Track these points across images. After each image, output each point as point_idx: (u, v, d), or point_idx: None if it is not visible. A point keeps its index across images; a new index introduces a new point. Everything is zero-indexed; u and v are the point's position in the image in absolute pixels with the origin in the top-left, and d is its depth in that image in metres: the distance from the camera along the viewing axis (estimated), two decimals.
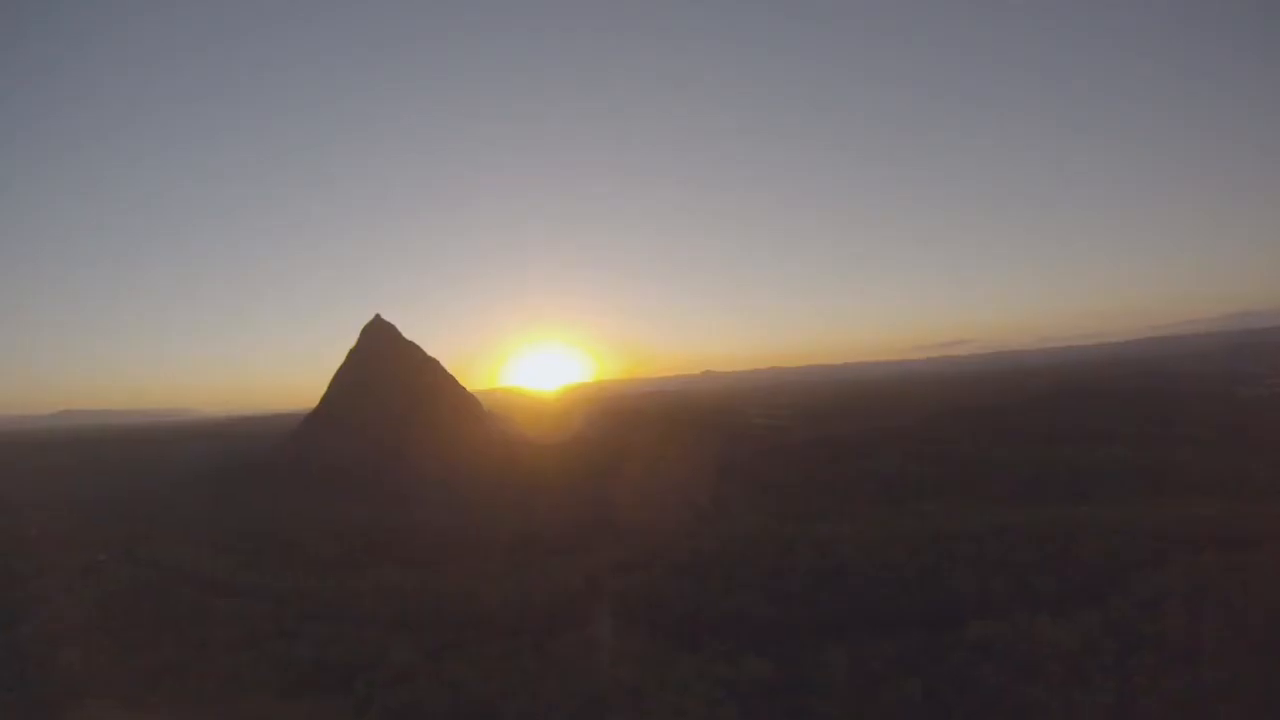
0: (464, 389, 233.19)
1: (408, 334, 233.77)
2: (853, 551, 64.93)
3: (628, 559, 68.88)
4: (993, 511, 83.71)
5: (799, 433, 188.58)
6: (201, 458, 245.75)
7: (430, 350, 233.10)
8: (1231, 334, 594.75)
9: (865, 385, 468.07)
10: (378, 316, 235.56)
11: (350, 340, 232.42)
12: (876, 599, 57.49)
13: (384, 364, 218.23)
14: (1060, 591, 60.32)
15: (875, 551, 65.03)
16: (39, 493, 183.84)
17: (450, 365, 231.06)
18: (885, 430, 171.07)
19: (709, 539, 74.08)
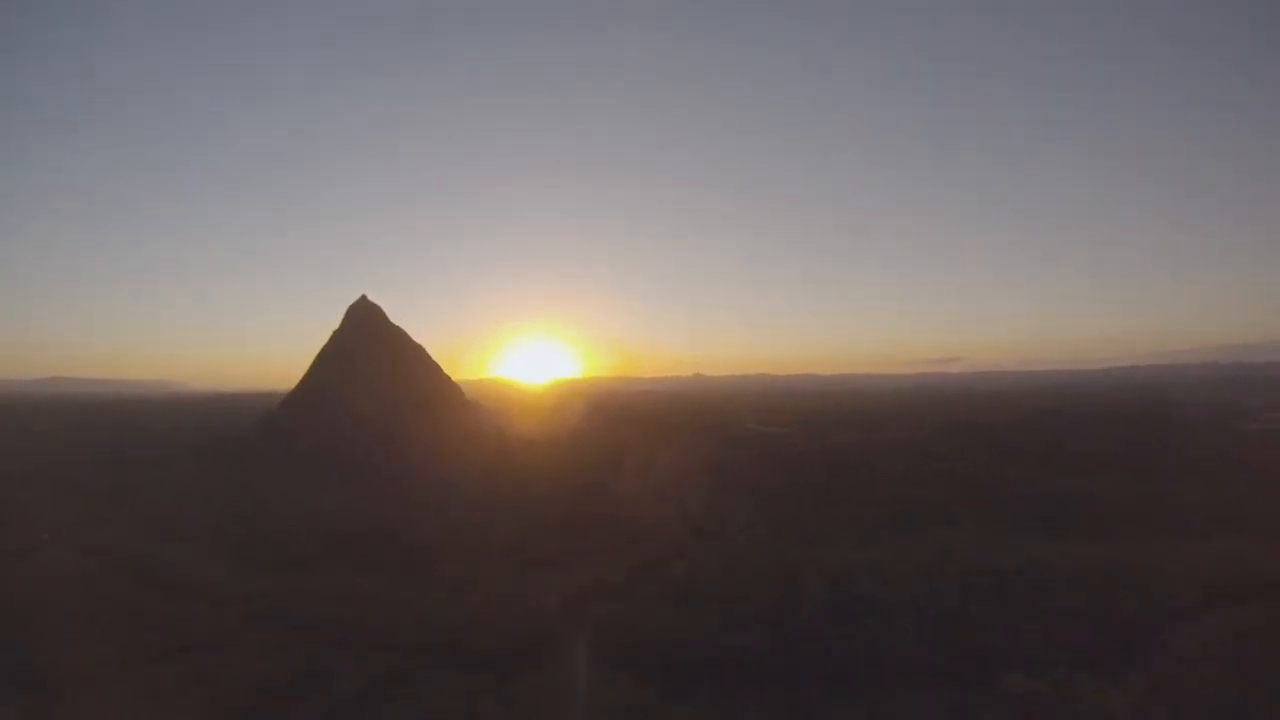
0: (449, 378, 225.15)
1: (398, 319, 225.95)
2: (868, 584, 57.64)
3: (613, 578, 61.26)
4: (1013, 544, 76.90)
5: (796, 440, 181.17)
6: (179, 432, 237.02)
7: (421, 336, 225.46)
8: (1224, 366, 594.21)
9: (858, 396, 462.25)
10: (364, 297, 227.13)
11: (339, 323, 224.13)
12: (897, 643, 50.38)
13: (367, 347, 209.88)
14: (1100, 644, 53.88)
15: (894, 585, 57.85)
16: (11, 461, 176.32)
17: (441, 353, 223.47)
18: (885, 442, 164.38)
19: (705, 558, 66.54)
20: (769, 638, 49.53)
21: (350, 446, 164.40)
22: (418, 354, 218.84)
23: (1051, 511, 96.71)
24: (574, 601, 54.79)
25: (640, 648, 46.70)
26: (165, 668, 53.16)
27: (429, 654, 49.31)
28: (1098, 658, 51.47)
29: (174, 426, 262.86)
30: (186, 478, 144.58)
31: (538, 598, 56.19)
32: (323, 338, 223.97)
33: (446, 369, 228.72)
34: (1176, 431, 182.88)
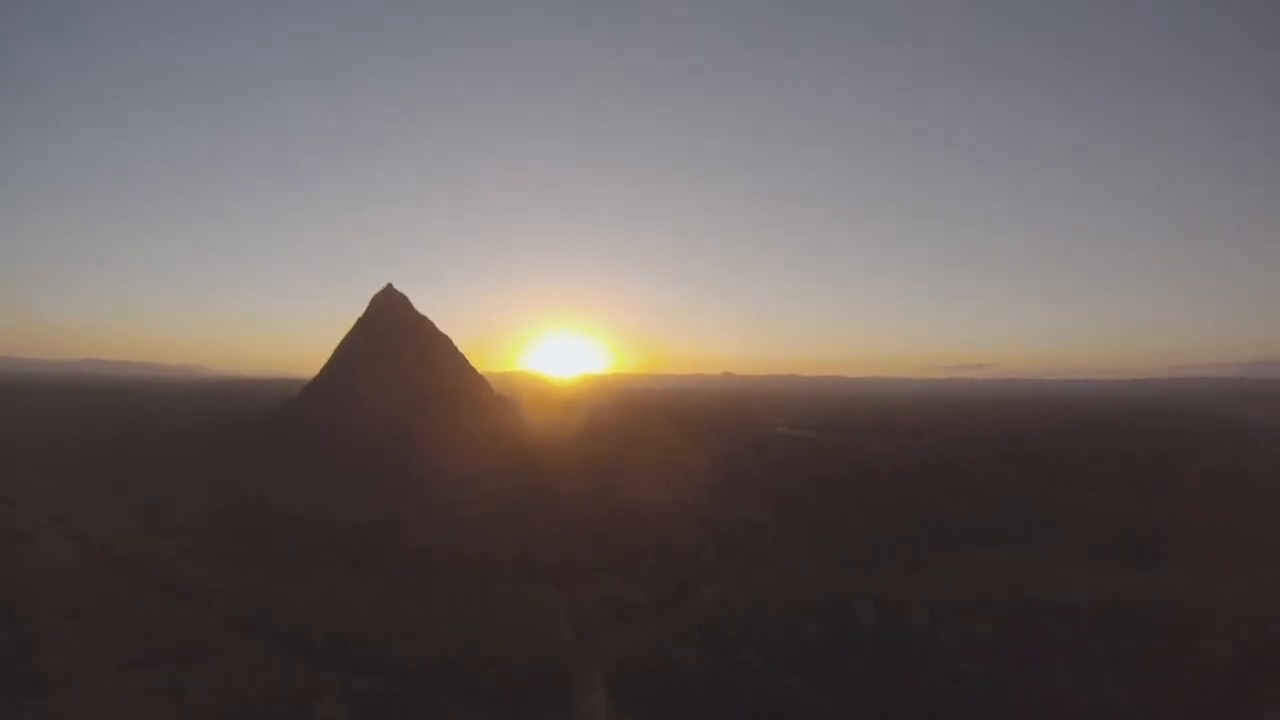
0: (474, 370, 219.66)
1: (429, 309, 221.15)
2: (924, 619, 50.30)
3: (635, 600, 54.43)
4: (1073, 574, 68.87)
5: (828, 447, 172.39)
6: (199, 416, 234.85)
7: (449, 328, 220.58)
8: (1250, 381, 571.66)
9: (887, 400, 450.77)
10: (389, 286, 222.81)
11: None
12: (963, 694, 43.12)
13: (391, 337, 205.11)
14: (1192, 704, 46.17)
15: (952, 620, 50.45)
16: (28, 439, 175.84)
17: (471, 344, 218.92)
18: (920, 453, 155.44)
19: (737, 581, 59.47)
20: (814, 680, 42.51)
21: (365, 439, 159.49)
22: (443, 344, 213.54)
23: (1100, 534, 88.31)
24: (592, 628, 48.02)
25: (664, 686, 39.96)
26: (133, 680, 47.67)
27: (423, 684, 42.99)
28: (1189, 712, 44.16)
29: (196, 410, 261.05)
30: (195, 464, 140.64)
31: (551, 619, 49.53)
32: (349, 323, 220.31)
33: (476, 361, 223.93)
34: (1216, 449, 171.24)
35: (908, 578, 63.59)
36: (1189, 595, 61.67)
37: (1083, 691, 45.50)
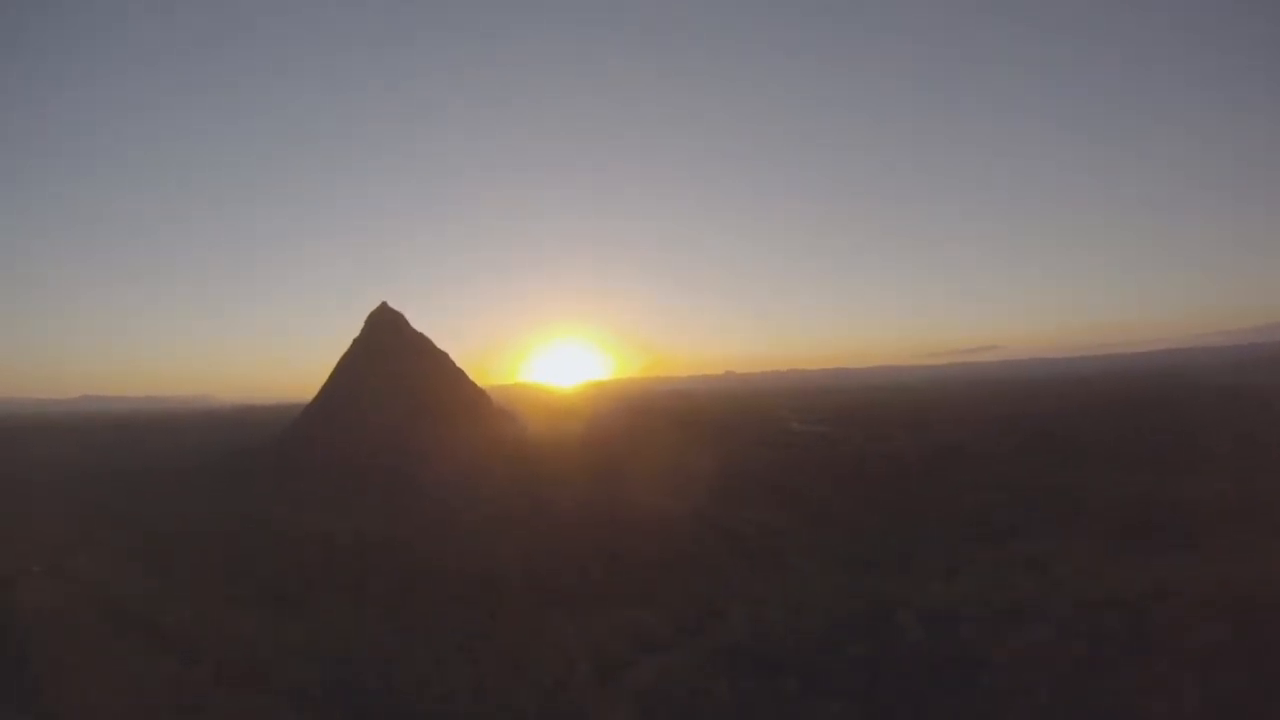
0: (474, 384, 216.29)
1: (428, 327, 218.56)
2: (977, 629, 45.79)
3: (656, 626, 50.00)
4: (1123, 564, 64.32)
5: (845, 442, 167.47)
6: (202, 447, 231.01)
7: (450, 344, 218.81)
8: (1260, 346, 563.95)
9: (897, 390, 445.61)
10: (384, 304, 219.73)
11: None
12: (1026, 709, 38.75)
13: (387, 355, 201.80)
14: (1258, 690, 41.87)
15: (1008, 628, 45.87)
16: (20, 480, 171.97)
17: (470, 359, 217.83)
18: (942, 444, 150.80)
19: (768, 599, 54.99)
20: (864, 706, 38.09)
21: (365, 461, 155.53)
22: (441, 360, 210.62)
23: (1140, 518, 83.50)
24: (611, 659, 43.61)
25: None
26: None
27: None
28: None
29: (198, 442, 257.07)
30: (193, 496, 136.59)
31: (562, 655, 45.12)
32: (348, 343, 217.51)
33: (477, 375, 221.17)
34: (1241, 419, 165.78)
35: (948, 581, 59.10)
36: (1248, 579, 57.25)
37: (1162, 695, 41.15)
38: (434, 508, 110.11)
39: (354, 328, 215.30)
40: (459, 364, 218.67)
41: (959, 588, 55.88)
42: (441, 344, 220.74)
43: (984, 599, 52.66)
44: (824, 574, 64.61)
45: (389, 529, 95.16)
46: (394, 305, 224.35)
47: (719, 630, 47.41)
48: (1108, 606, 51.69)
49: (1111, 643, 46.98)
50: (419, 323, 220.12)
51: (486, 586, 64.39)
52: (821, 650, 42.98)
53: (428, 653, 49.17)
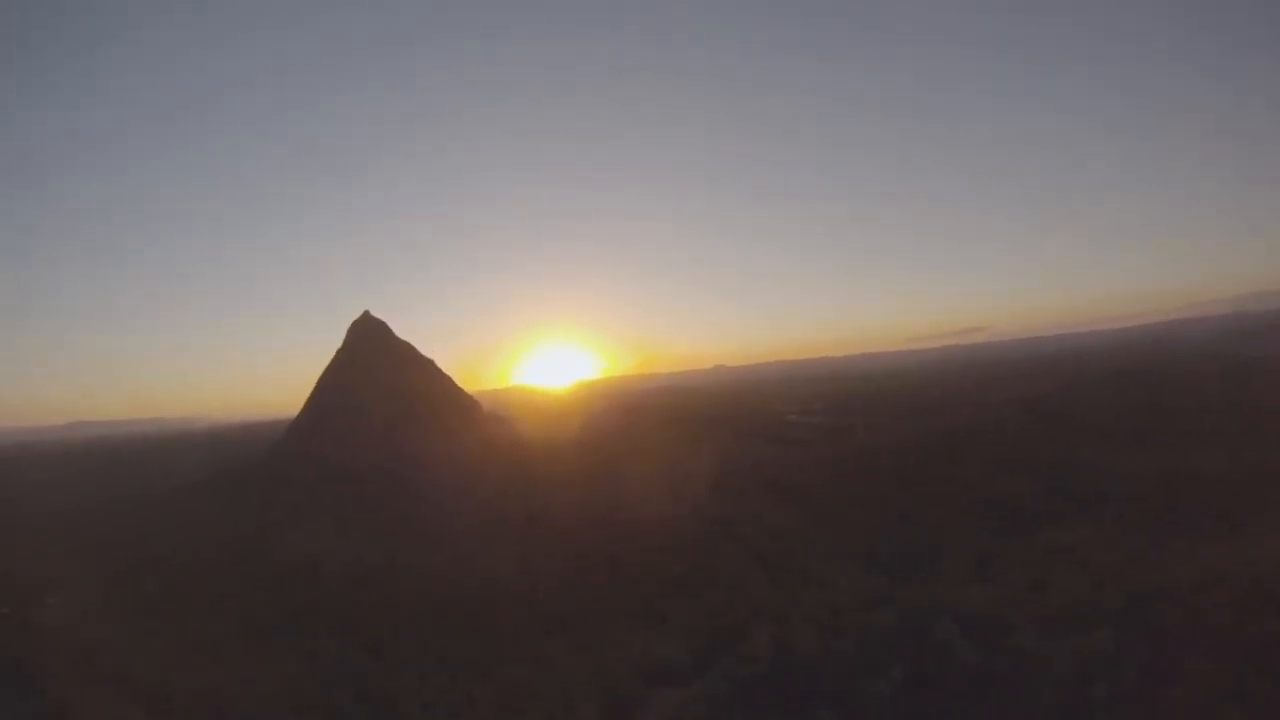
0: (462, 391, 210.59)
1: (413, 334, 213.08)
2: (1028, 637, 41.55)
3: (671, 654, 45.33)
4: (1164, 551, 60.37)
5: (849, 431, 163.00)
6: (192, 468, 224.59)
7: (440, 350, 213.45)
8: (1245, 316, 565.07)
9: (888, 375, 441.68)
10: (366, 313, 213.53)
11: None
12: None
13: (371, 365, 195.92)
14: None
15: (1062, 635, 41.68)
16: (9, 516, 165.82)
17: (460, 365, 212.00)
18: (946, 430, 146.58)
19: (793, 616, 50.43)
20: None
21: (357, 471, 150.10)
22: (427, 368, 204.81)
23: (1168, 498, 79.90)
24: (620, 698, 38.91)
25: None
26: None
27: None
28: None
29: (186, 463, 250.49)
30: (179, 519, 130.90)
31: (566, 691, 40.40)
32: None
33: (469, 381, 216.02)
34: (1245, 389, 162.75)
35: (983, 581, 54.77)
36: None
37: (1221, 681, 37.09)
38: (428, 514, 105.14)
39: (336, 338, 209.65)
40: (450, 370, 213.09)
41: (997, 589, 51.65)
42: (430, 351, 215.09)
43: (1028, 601, 48.56)
44: (847, 580, 60.03)
45: (381, 546, 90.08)
46: (376, 314, 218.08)
47: (740, 655, 42.77)
48: (1160, 601, 47.72)
49: (1173, 644, 43.08)
50: (403, 331, 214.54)
51: (482, 611, 59.57)
52: (858, 674, 38.52)
53: (418, 695, 44.47)
